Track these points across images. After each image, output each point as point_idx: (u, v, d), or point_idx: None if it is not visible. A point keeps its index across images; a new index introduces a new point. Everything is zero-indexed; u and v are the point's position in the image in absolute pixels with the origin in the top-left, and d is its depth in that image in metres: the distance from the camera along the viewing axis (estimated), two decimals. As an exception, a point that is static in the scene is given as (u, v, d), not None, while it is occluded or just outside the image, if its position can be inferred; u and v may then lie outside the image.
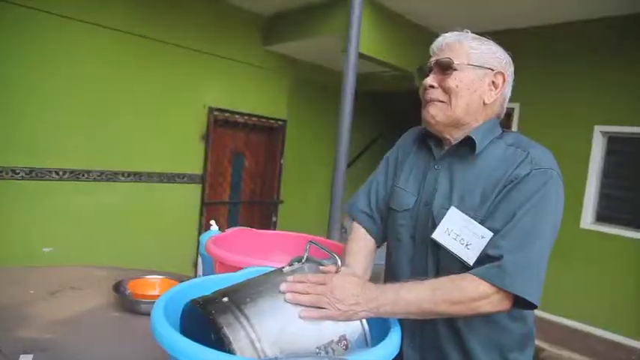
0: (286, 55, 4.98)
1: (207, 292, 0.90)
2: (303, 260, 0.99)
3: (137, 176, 3.99)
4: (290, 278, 0.90)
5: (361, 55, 3.48)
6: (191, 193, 4.45)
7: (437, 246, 1.04)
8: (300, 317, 0.85)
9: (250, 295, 0.86)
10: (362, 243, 1.22)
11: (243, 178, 5.22)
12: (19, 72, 3.22)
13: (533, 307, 0.93)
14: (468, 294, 0.89)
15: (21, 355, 1.16)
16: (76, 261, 2.47)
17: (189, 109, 4.30)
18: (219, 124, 4.67)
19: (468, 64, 1.05)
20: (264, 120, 5.05)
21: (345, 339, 0.88)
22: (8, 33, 3.14)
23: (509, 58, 1.13)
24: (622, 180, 3.97)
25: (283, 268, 0.96)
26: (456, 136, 1.09)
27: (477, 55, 1.06)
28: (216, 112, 4.51)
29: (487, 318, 1.03)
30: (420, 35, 4.37)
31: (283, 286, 0.88)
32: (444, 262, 1.03)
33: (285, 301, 0.86)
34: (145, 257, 3.85)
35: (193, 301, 0.86)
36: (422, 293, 0.90)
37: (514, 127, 4.34)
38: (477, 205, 1.00)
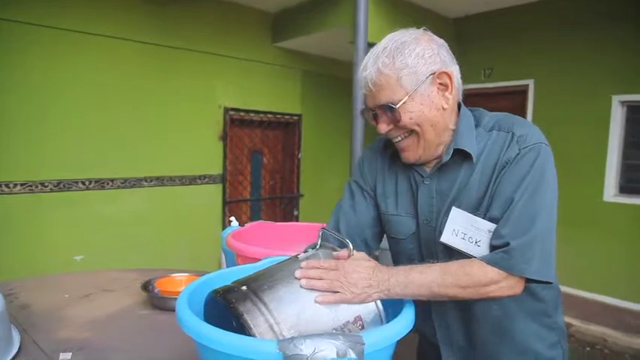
0: (296, 51, 5.01)
1: (228, 283, 0.95)
2: (317, 247, 1.02)
3: (160, 181, 4.09)
4: (304, 264, 0.94)
5: (370, 45, 3.49)
6: (213, 193, 4.55)
7: (448, 253, 1.03)
8: (316, 302, 0.88)
9: (268, 282, 0.90)
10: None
11: (262, 174, 5.30)
12: (42, 90, 3.35)
13: (547, 284, 0.94)
14: (476, 279, 0.90)
15: (60, 354, 1.24)
16: (107, 266, 2.56)
17: (205, 111, 4.38)
18: (236, 123, 4.74)
19: (407, 93, 0.96)
20: (279, 116, 5.10)
21: (361, 319, 0.91)
22: (31, 52, 3.26)
23: (435, 39, 1.01)
24: (645, 148, 3.88)
25: (298, 255, 1.00)
26: (439, 152, 1.03)
27: (408, 75, 0.95)
28: (231, 112, 4.58)
29: (520, 295, 0.99)
30: (427, 18, 4.34)
31: (298, 273, 0.91)
32: None
33: (301, 287, 0.90)
34: (172, 258, 3.96)
35: (214, 291, 0.90)
36: (432, 276, 0.91)
37: (529, 104, 4.27)
38: (477, 200, 0.99)
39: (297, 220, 5.44)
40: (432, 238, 1.06)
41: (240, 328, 0.81)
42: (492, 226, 0.95)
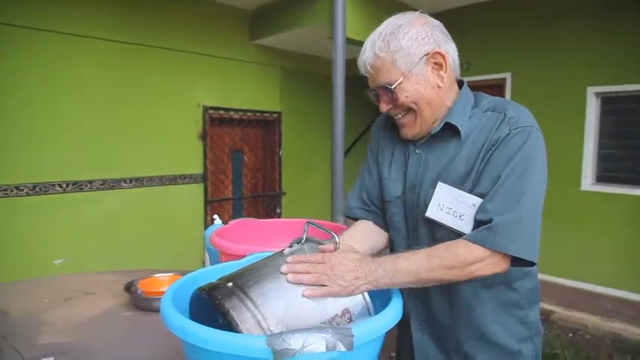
0: (274, 48, 4.98)
1: (213, 280, 0.94)
2: (302, 241, 1.02)
3: (139, 181, 4.03)
4: (290, 259, 0.93)
5: (349, 40, 3.48)
6: (194, 193, 4.49)
7: (431, 225, 1.06)
8: (304, 296, 0.88)
9: (253, 278, 0.90)
10: (360, 227, 1.23)
11: (244, 173, 5.26)
12: (15, 91, 3.25)
13: (531, 264, 0.94)
14: (462, 259, 0.91)
15: (42, 359, 1.21)
16: (87, 269, 2.51)
17: (184, 110, 4.32)
18: (215, 122, 4.69)
19: (403, 74, 1.01)
20: (258, 114, 5.07)
21: (349, 312, 0.91)
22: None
23: (430, 20, 1.06)
24: (618, 139, 3.99)
25: (284, 250, 1.00)
26: (435, 126, 1.08)
27: (403, 56, 1.01)
28: (210, 111, 4.53)
29: (491, 282, 1.05)
30: (402, 11, 4.34)
31: (284, 268, 0.91)
32: (442, 240, 1.02)
33: (288, 281, 0.90)
34: (154, 259, 3.91)
35: (199, 289, 0.89)
36: (418, 262, 0.92)
37: (507, 97, 4.35)
38: (463, 175, 1.01)
39: (279, 217, 5.43)
40: (414, 205, 1.10)
41: (227, 325, 0.81)
42: (476, 199, 0.97)
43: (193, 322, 0.77)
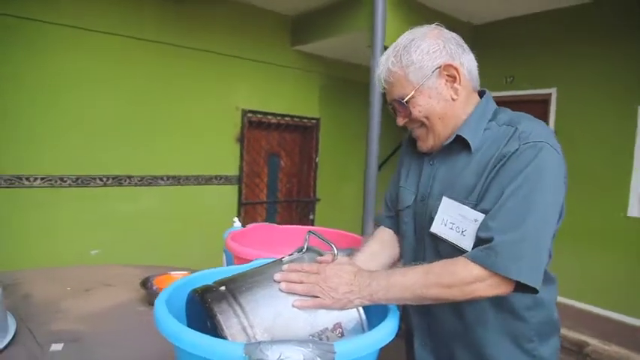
0: (315, 54, 5.01)
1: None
2: (303, 250, 1.01)
3: (176, 179, 4.14)
4: (285, 267, 0.92)
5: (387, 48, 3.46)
6: (228, 194, 4.57)
7: (435, 239, 1.03)
8: (294, 306, 0.87)
9: (247, 284, 0.89)
10: (379, 234, 1.24)
11: (279, 177, 5.30)
12: (62, 90, 3.42)
13: (534, 290, 0.88)
14: (460, 277, 0.87)
15: (52, 344, 1.25)
16: (121, 262, 2.60)
17: (222, 113, 4.41)
18: (253, 125, 4.77)
19: (415, 87, 1.01)
20: (297, 119, 5.10)
21: (341, 327, 0.89)
22: (40, 52, 3.33)
23: (444, 33, 1.05)
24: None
25: (283, 258, 0.99)
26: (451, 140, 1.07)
27: (415, 70, 1.00)
28: (249, 114, 4.61)
29: (498, 308, 1.01)
30: (446, 23, 4.25)
31: (277, 276, 0.90)
32: (445, 254, 0.99)
33: (280, 290, 0.88)
34: (185, 257, 3.98)
35: (194, 290, 0.90)
36: (414, 278, 0.89)
37: (552, 113, 4.15)
38: (469, 190, 0.97)
39: (312, 224, 5.43)
40: (423, 215, 1.08)
41: (214, 328, 0.81)
42: (479, 215, 0.94)
43: (175, 321, 0.78)
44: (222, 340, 0.76)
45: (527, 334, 1.03)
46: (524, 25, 4.35)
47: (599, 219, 3.82)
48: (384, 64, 1.05)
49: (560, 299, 3.96)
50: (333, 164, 5.46)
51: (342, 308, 0.89)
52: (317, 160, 5.34)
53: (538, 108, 4.19)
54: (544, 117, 4.15)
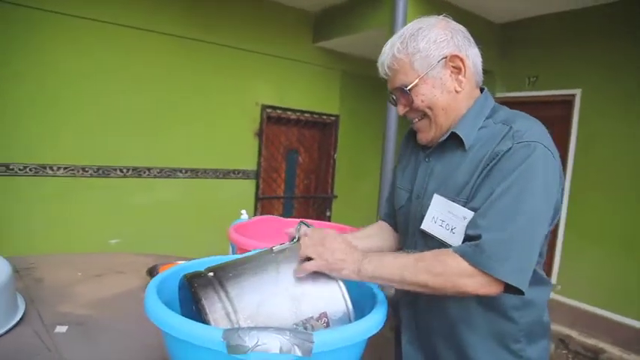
0: (336, 51, 5.00)
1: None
2: (295, 240, 1.02)
3: (194, 172, 4.21)
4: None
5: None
6: (246, 188, 4.62)
7: (425, 236, 1.03)
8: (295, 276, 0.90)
9: (234, 271, 0.91)
10: (376, 225, 1.30)
11: (297, 173, 5.32)
12: (82, 82, 3.52)
13: (520, 292, 0.87)
14: (449, 267, 0.86)
15: (57, 326, 1.30)
16: (137, 251, 2.66)
17: (242, 107, 4.46)
18: (272, 120, 4.80)
19: (419, 76, 1.00)
20: (316, 116, 5.11)
21: (326, 317, 0.89)
22: (66, 44, 3.43)
23: (451, 24, 1.04)
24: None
25: (273, 247, 1.00)
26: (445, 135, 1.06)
27: (420, 58, 0.99)
28: (268, 110, 4.64)
29: (486, 306, 0.99)
30: (469, 22, 4.19)
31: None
32: None
33: (270, 277, 0.90)
34: (201, 249, 4.02)
35: (184, 276, 0.92)
36: (404, 261, 0.90)
37: (575, 115, 4.04)
38: (460, 187, 0.97)
39: (329, 221, 5.43)
40: (416, 213, 1.08)
41: (199, 312, 0.82)
42: (468, 212, 0.93)
43: (160, 305, 0.80)
44: (201, 324, 0.77)
45: (514, 334, 1.01)
46: (550, 24, 4.25)
47: (623, 222, 3.70)
48: (389, 51, 1.03)
49: (578, 304, 3.88)
50: (351, 162, 5.45)
51: (330, 272, 0.90)
52: (335, 157, 5.34)
53: (562, 109, 4.08)
54: (568, 118, 4.03)
